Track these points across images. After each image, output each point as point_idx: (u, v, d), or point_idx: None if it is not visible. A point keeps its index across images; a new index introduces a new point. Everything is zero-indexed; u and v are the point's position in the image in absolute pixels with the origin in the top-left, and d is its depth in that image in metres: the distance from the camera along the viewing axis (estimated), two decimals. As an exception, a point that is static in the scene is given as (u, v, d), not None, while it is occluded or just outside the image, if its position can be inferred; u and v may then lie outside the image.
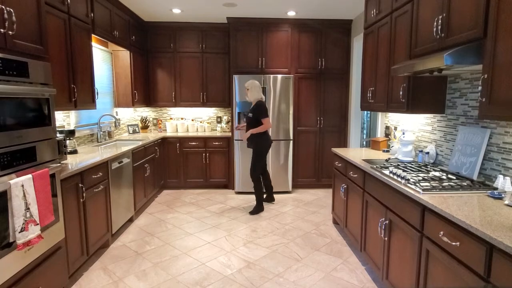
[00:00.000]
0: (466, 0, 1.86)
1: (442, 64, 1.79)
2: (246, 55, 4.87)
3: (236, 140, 4.76)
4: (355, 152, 3.39)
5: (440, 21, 2.08)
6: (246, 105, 4.67)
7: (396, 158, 2.94)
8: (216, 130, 5.59)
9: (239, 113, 4.71)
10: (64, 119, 3.38)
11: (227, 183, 5.13)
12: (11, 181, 1.75)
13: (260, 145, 3.98)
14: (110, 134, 4.36)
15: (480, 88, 1.73)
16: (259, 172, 4.06)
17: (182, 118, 5.56)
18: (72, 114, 3.55)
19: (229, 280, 2.54)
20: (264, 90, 4.67)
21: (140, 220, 3.83)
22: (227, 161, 5.05)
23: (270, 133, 4.39)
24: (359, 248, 2.80)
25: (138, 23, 4.78)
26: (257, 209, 4.06)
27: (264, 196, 4.48)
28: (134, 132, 5.18)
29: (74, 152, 3.14)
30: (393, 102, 2.80)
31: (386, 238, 2.26)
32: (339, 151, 3.49)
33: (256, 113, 3.88)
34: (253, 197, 4.73)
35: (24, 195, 1.82)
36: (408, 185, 1.99)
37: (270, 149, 4.80)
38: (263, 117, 3.88)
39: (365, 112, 5.37)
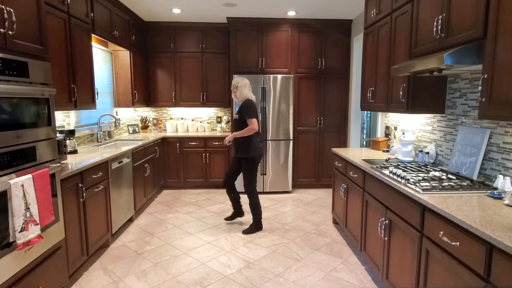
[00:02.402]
0: (466, 0, 1.86)
1: (442, 64, 1.79)
2: (246, 55, 4.87)
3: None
4: (355, 152, 3.39)
5: (440, 21, 2.08)
6: (246, 105, 4.66)
7: (396, 158, 2.94)
8: (216, 130, 5.59)
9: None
10: (64, 119, 3.38)
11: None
12: (11, 181, 1.75)
13: (249, 153, 3.36)
14: (110, 134, 4.36)
15: (480, 88, 1.73)
16: (255, 183, 3.47)
17: (182, 118, 5.56)
18: (72, 114, 3.55)
19: (229, 280, 2.54)
20: (264, 90, 4.67)
21: (140, 220, 3.83)
22: (227, 161, 5.04)
23: (260, 138, 3.51)
24: (359, 248, 2.80)
25: (138, 23, 4.78)
26: (255, 228, 3.48)
27: (232, 213, 3.76)
28: (134, 132, 5.18)
29: (74, 152, 3.14)
30: (393, 102, 2.80)
31: (386, 238, 2.26)
32: (339, 151, 3.49)
33: (241, 113, 3.33)
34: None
35: (24, 195, 1.82)
36: (408, 185, 1.99)
37: (270, 148, 4.80)
38: (249, 117, 3.28)
39: (365, 112, 5.38)
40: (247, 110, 3.32)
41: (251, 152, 3.36)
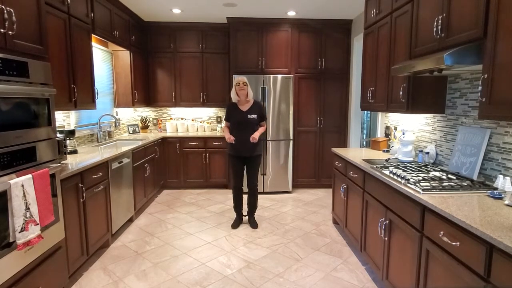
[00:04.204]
0: (466, 0, 1.86)
1: (442, 64, 1.79)
2: (246, 55, 4.86)
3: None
4: (355, 152, 3.39)
5: (440, 21, 2.08)
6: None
7: (396, 158, 2.94)
8: (216, 130, 5.59)
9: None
10: (64, 119, 3.38)
11: (227, 183, 5.13)
12: (11, 181, 1.75)
13: (261, 149, 3.60)
14: (110, 134, 4.36)
15: (480, 88, 1.73)
16: None
17: (182, 118, 5.56)
18: (72, 114, 3.55)
19: (229, 280, 2.54)
20: (264, 90, 4.67)
21: (140, 220, 3.83)
22: (227, 161, 5.04)
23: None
24: (359, 248, 2.80)
25: (138, 23, 4.78)
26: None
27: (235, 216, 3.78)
28: (134, 132, 5.18)
29: (74, 152, 3.14)
30: (393, 102, 2.80)
31: (386, 238, 2.26)
32: (339, 151, 3.49)
33: (262, 114, 3.49)
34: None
35: (24, 195, 1.82)
36: (408, 185, 1.99)
37: (270, 148, 4.81)
38: (265, 118, 3.56)
39: (365, 112, 5.37)
40: (265, 111, 3.54)
41: (261, 147, 3.61)
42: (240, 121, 3.42)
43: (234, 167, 3.56)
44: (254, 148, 3.47)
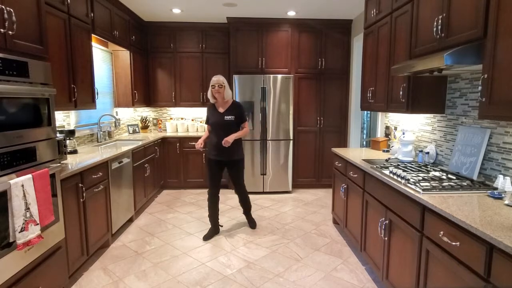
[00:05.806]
0: (466, 0, 1.86)
1: (442, 64, 1.79)
2: (246, 55, 4.86)
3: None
4: (355, 152, 3.39)
5: (440, 21, 2.08)
6: (245, 106, 4.66)
7: (396, 158, 2.94)
8: (216, 130, 5.59)
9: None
10: (64, 119, 3.38)
11: (227, 183, 5.13)
12: (11, 181, 1.75)
13: (243, 153, 3.39)
14: (110, 134, 4.36)
15: (480, 88, 1.73)
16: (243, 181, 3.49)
17: (182, 118, 5.56)
18: (72, 114, 3.55)
19: (229, 280, 2.54)
20: (264, 90, 4.67)
21: (140, 220, 3.83)
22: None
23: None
24: (359, 248, 2.80)
25: (138, 23, 4.78)
26: (253, 218, 3.64)
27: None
28: (134, 132, 5.18)
29: (74, 152, 3.14)
30: (393, 102, 2.80)
31: (386, 238, 2.26)
32: (339, 151, 3.49)
33: (240, 115, 3.26)
34: (252, 197, 4.72)
35: (24, 195, 1.82)
36: (408, 185, 1.99)
37: (270, 148, 4.80)
38: (246, 120, 3.34)
39: (365, 112, 5.38)
40: (244, 111, 3.30)
41: (243, 151, 3.41)
42: (218, 123, 3.22)
43: (209, 171, 3.31)
44: (233, 152, 3.27)
